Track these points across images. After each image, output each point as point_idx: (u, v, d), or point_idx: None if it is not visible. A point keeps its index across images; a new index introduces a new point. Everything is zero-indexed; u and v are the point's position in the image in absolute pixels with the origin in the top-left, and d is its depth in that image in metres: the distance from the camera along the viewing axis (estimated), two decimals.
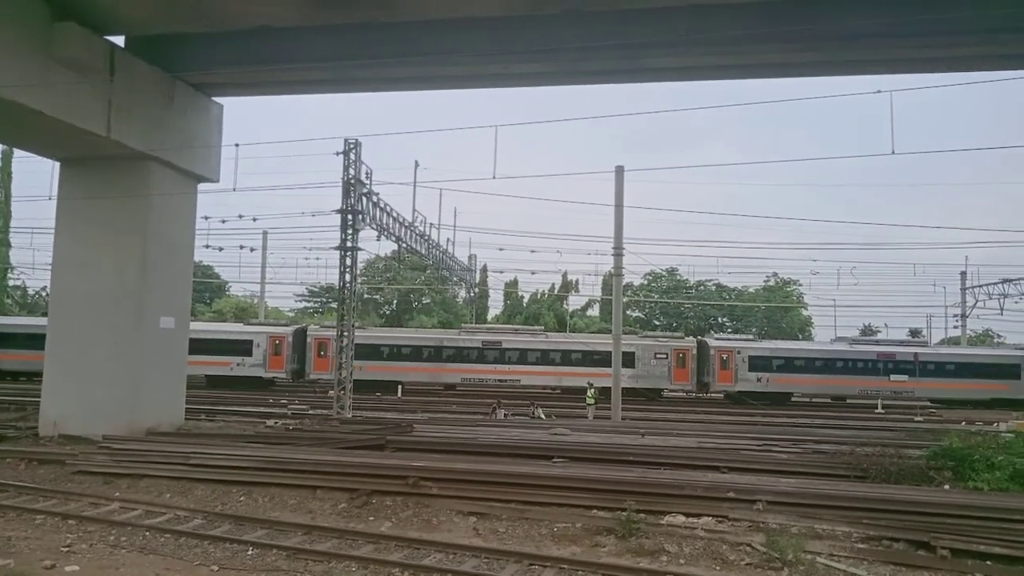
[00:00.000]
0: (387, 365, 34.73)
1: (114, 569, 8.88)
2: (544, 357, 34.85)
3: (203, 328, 35.55)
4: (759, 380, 34.44)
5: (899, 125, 14.58)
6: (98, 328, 18.33)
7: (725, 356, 34.64)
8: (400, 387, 34.58)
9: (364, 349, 33.27)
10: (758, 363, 34.65)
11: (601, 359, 33.62)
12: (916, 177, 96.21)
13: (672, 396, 36.55)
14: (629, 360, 33.83)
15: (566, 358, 35.14)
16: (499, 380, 34.86)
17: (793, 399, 35.97)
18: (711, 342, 35.78)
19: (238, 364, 34.62)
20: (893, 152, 14.61)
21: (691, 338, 37.69)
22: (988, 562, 9.52)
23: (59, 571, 8.75)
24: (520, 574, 9.01)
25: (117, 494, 12.90)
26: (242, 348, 34.68)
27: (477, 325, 40.95)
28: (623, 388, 33.72)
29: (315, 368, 34.70)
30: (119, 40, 17.76)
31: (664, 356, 34.71)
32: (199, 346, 33.55)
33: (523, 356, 34.95)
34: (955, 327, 52.53)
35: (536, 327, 42.26)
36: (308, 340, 35.05)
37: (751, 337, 41.31)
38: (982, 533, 9.98)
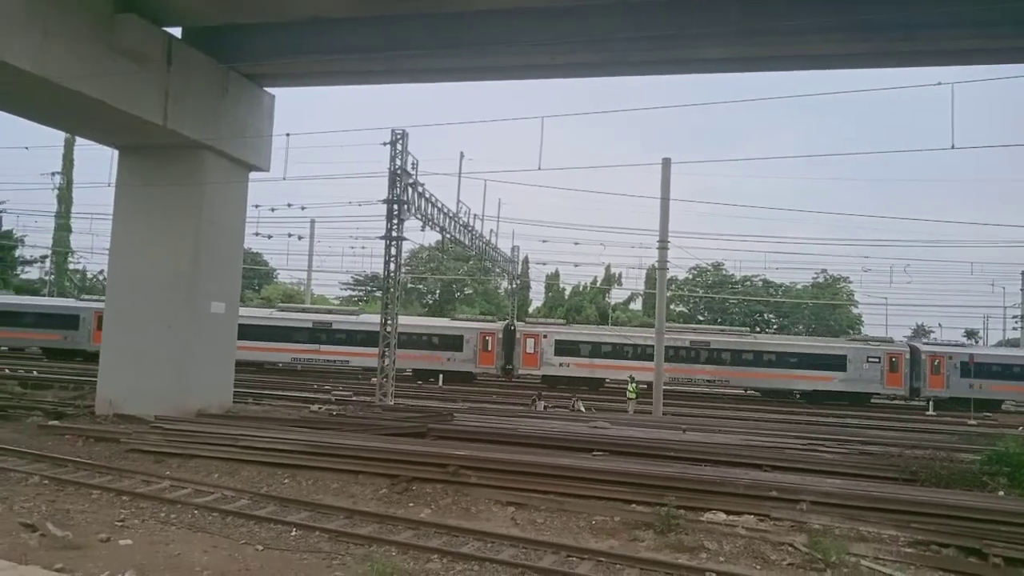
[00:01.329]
0: (590, 362, 35.16)
1: (164, 545, 9.18)
2: (754, 358, 34.79)
3: (414, 323, 37.07)
4: (971, 386, 33.97)
5: (959, 118, 14.06)
6: (152, 311, 18.91)
7: (936, 362, 34.42)
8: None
9: (567, 346, 34.46)
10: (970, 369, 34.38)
11: (814, 361, 34.19)
12: (976, 172, 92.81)
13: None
14: (840, 363, 34.17)
15: (777, 359, 34.94)
16: (708, 380, 35.28)
17: (1004, 407, 35.27)
18: (922, 347, 35.71)
19: (448, 359, 35.54)
20: (953, 147, 14.08)
21: (903, 342, 37.59)
22: None
23: (114, 544, 9.08)
24: (558, 565, 9.02)
25: (168, 472, 13.33)
26: (453, 343, 35.62)
27: (683, 325, 41.33)
28: (830, 391, 34.08)
29: (524, 364, 35.20)
30: (176, 31, 18.24)
31: (876, 360, 34.35)
32: (409, 340, 34.53)
33: (735, 356, 34.86)
34: (1014, 328, 50.69)
35: (742, 328, 42.32)
36: (517, 336, 35.53)
37: (963, 343, 41.05)
38: None
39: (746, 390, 36.42)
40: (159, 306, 18.91)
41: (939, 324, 58.65)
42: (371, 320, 37.68)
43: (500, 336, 35.51)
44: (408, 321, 38.43)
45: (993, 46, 16.08)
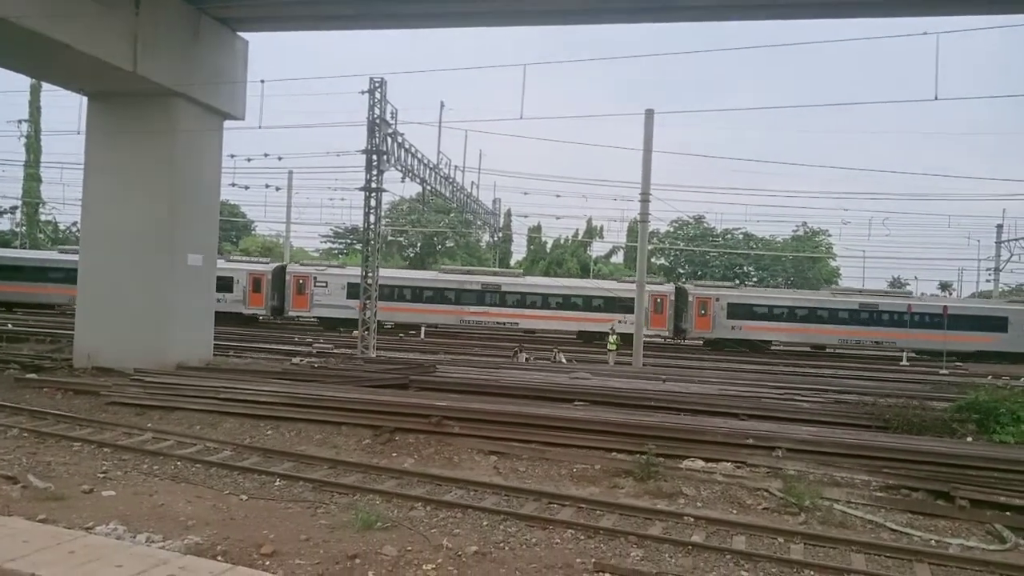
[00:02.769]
0: (761, 325, 36.03)
1: (148, 496, 9.20)
2: (919, 320, 35.50)
3: (582, 285, 38.30)
4: None
5: (943, 70, 13.99)
6: (128, 263, 18.62)
7: None
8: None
9: (739, 310, 35.73)
10: None
11: (976, 323, 35.13)
12: (957, 126, 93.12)
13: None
14: (1001, 325, 35.28)
15: (941, 321, 35.59)
16: (875, 342, 36.12)
17: None
18: None
19: (620, 321, 35.25)
20: (936, 98, 14.06)
21: None
22: (1008, 513, 9.51)
23: (96, 496, 9.09)
24: (539, 512, 9.18)
25: (150, 425, 13.32)
26: (626, 305, 35.57)
27: (850, 288, 42.43)
28: (993, 352, 34.74)
29: (696, 327, 36.00)
30: None
31: None
32: (574, 303, 36.06)
33: (899, 318, 35.56)
34: (988, 280, 51.58)
35: (907, 291, 43.10)
36: (690, 299, 36.20)
37: None
38: (1003, 485, 9.95)
39: (902, 351, 36.65)
40: (135, 258, 18.61)
41: (915, 277, 59.65)
42: (540, 283, 38.74)
43: (672, 299, 36.01)
44: (575, 283, 39.94)
45: None
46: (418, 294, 36.19)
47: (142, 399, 14.77)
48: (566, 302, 36.18)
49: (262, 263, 38.21)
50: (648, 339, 35.58)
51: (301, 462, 11.21)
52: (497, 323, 36.68)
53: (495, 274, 39.25)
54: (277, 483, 10.11)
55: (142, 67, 17.14)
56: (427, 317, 36.27)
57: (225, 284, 34.97)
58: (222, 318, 34.91)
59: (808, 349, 37.77)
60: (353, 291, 34.77)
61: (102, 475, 10.10)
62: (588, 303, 35.95)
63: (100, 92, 18.91)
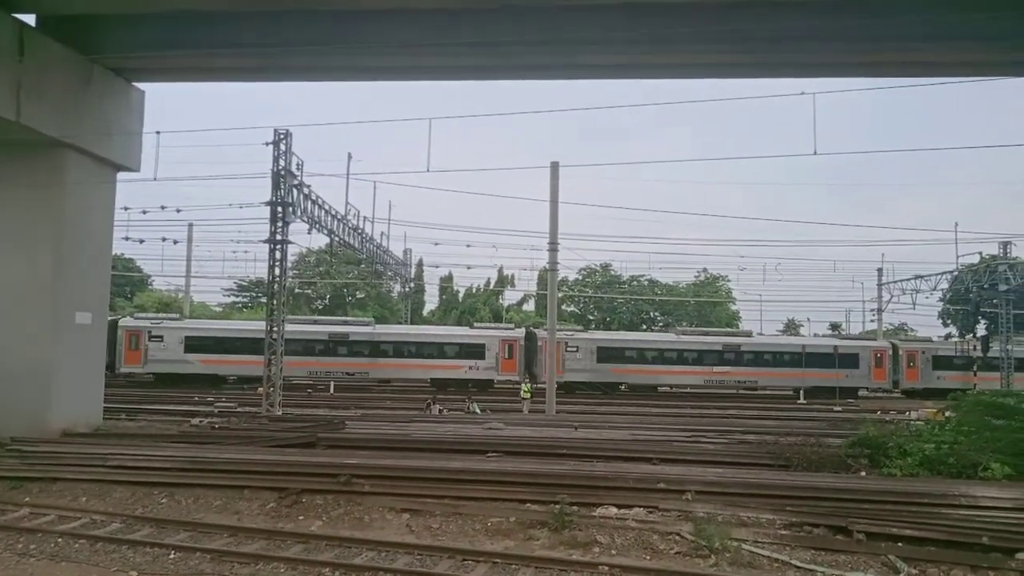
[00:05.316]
0: (960, 375, 38.08)
1: None
2: None
3: (767, 342, 40.16)
4: None
5: (824, 127, 15.13)
6: (8, 323, 17.30)
7: None
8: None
9: (942, 362, 38.82)
10: None
11: None
12: (839, 178, 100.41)
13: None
14: None
15: None
16: None
17: None
18: None
19: (847, 376, 37.29)
20: (815, 152, 15.15)
21: None
22: (900, 544, 9.98)
23: None
24: (453, 570, 8.96)
25: (27, 499, 12.23)
26: (850, 361, 37.69)
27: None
28: None
29: (875, 377, 38.03)
30: (30, 19, 16.79)
31: None
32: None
33: None
34: (872, 321, 55.02)
35: None
36: (901, 353, 38.60)
37: None
38: (894, 517, 10.46)
39: None
40: (16, 317, 17.32)
41: (807, 318, 63.02)
42: (770, 341, 40.57)
43: (890, 353, 38.59)
44: (795, 341, 42.40)
45: (849, 60, 17.44)
46: (658, 356, 37.32)
47: (19, 471, 13.56)
48: (793, 359, 37.85)
49: (511, 329, 38.57)
50: (869, 394, 38.72)
51: (198, 531, 10.55)
52: (737, 381, 37.99)
53: (732, 335, 41.25)
54: (172, 556, 9.45)
55: (26, 117, 16.26)
56: (665, 379, 37.97)
57: (476, 351, 35.43)
58: (470, 385, 34.95)
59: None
60: (603, 354, 36.29)
61: None
62: (810, 359, 37.40)
63: None
